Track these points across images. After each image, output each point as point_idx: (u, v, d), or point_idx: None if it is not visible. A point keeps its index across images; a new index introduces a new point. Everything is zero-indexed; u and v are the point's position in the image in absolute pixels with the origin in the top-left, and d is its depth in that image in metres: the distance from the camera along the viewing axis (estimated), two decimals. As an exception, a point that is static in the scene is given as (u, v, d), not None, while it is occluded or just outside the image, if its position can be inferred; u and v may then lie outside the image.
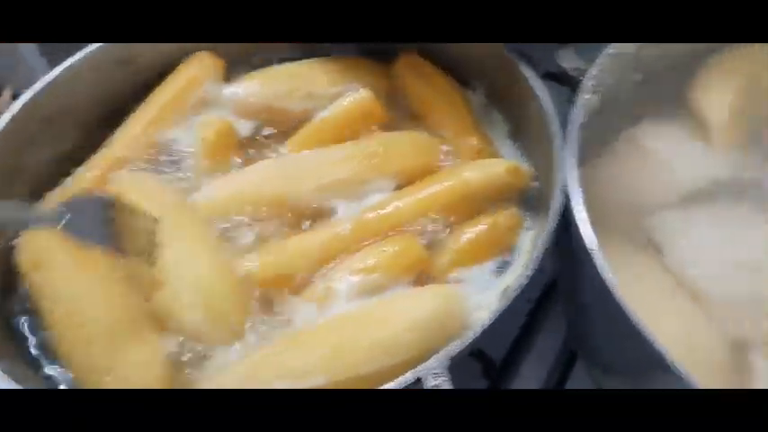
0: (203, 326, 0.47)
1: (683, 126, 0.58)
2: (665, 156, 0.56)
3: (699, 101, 0.58)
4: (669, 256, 0.50)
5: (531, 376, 0.60)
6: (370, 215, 0.53)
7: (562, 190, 0.47)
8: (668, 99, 0.59)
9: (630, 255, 0.52)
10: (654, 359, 0.39)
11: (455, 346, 0.41)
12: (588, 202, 0.53)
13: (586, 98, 0.51)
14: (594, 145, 0.57)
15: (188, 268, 0.49)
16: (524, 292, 0.45)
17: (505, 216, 0.52)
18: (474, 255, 0.52)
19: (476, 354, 0.59)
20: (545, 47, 0.59)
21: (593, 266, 0.43)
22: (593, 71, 0.53)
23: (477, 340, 0.43)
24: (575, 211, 0.46)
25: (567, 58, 0.56)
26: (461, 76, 0.63)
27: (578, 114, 0.50)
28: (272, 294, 0.50)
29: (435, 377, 0.41)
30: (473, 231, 0.52)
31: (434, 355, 0.41)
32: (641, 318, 0.42)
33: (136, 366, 0.46)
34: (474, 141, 0.58)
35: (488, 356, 0.58)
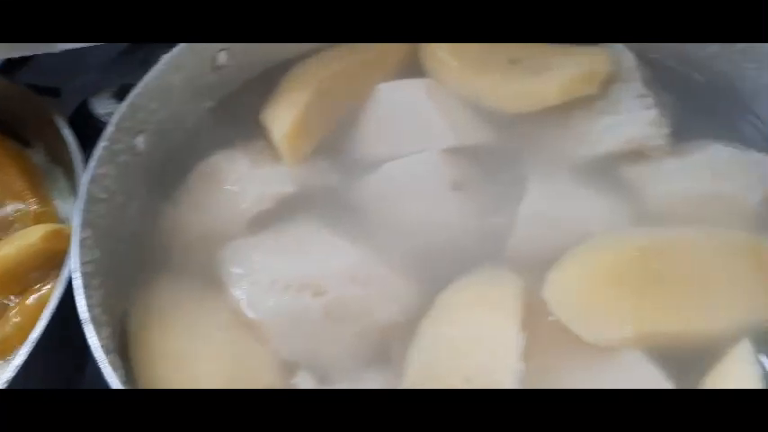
0: None
1: (253, 149, 0.57)
2: (232, 183, 0.54)
3: (266, 120, 0.57)
4: (228, 287, 0.48)
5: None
6: None
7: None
8: (243, 123, 0.58)
9: (198, 293, 0.50)
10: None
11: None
12: (165, 243, 0.52)
13: (103, 146, 0.48)
14: (164, 187, 0.55)
15: None
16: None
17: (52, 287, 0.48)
18: (22, 334, 0.47)
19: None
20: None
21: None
22: (121, 112, 0.50)
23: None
24: (72, 276, 0.42)
25: (103, 104, 0.53)
26: (22, 137, 0.58)
27: (91, 167, 0.46)
28: None
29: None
30: (18, 309, 0.48)
31: None
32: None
33: None
34: (32, 205, 0.53)
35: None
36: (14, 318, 0.47)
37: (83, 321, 0.39)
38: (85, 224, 0.44)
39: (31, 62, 0.68)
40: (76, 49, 0.56)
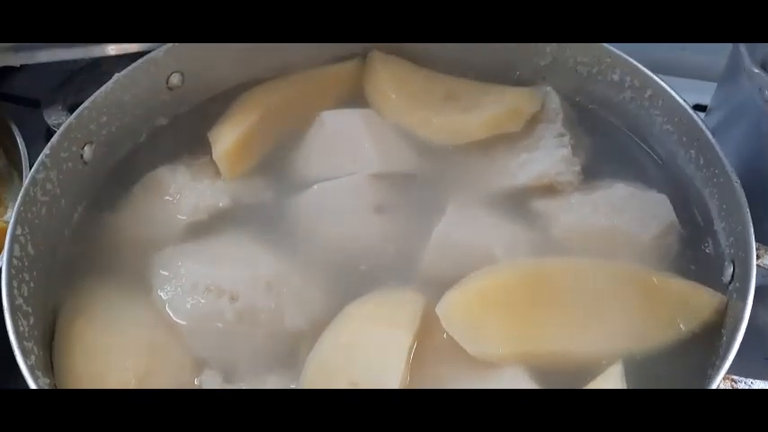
0: None
1: (197, 165, 0.60)
2: (172, 194, 0.58)
3: (211, 137, 0.61)
4: (154, 289, 0.52)
5: None
6: None
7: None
8: (192, 141, 0.62)
9: (127, 293, 0.53)
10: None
11: None
12: (103, 247, 0.56)
13: (46, 153, 0.51)
14: (110, 195, 0.59)
15: None
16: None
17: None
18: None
19: None
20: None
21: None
22: (68, 123, 0.53)
23: None
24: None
25: (56, 115, 0.57)
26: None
27: (32, 171, 0.50)
28: None
29: None
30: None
31: None
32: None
33: None
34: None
35: None
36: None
37: (4, 309, 0.42)
38: (22, 222, 0.48)
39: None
40: (44, 63, 0.61)
